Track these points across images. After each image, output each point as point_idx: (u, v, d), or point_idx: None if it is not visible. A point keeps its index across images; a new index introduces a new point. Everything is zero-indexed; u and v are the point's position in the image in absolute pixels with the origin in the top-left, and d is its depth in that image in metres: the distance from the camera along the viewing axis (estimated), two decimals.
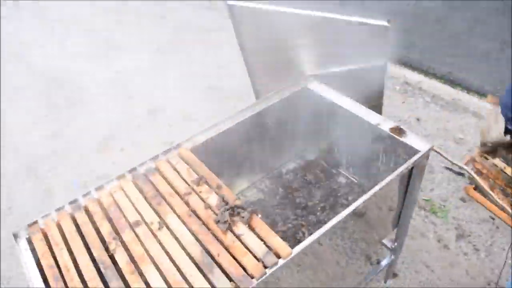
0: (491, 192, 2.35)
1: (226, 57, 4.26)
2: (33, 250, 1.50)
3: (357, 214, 1.70)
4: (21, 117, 3.85)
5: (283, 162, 2.28)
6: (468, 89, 3.86)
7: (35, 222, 1.58)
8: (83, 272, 1.39)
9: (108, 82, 4.18)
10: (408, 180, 1.78)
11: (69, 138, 3.55)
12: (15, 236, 1.55)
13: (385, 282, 2.33)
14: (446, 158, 2.02)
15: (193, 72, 4.20)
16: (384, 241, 2.15)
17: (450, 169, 2.97)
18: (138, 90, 4.03)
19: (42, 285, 1.39)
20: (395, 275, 2.36)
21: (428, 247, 2.51)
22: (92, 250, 1.44)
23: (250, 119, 1.94)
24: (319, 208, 1.97)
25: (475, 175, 1.92)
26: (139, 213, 1.53)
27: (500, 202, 2.27)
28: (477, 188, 2.75)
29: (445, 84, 3.97)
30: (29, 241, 1.53)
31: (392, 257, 2.12)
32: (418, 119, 3.50)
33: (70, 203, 1.62)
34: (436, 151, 1.89)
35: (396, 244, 2.04)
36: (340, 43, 1.98)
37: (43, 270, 1.43)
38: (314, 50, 2.10)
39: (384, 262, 2.15)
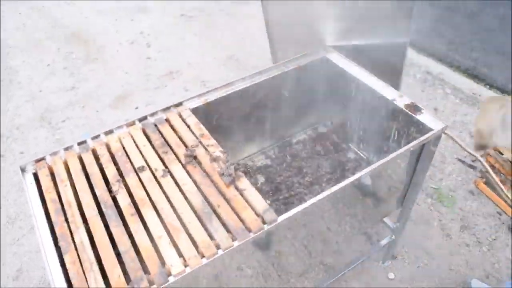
0: (502, 186, 2.30)
1: (249, 30, 4.22)
2: (38, 185, 1.52)
3: (362, 190, 1.69)
4: (41, 68, 3.88)
5: (294, 132, 2.27)
6: (491, 85, 3.78)
7: (43, 158, 1.60)
8: (85, 209, 1.40)
9: (129, 43, 4.18)
10: (417, 159, 1.75)
11: (86, 92, 3.58)
12: (22, 169, 1.57)
13: (383, 262, 2.32)
14: (459, 144, 1.97)
15: (215, 40, 4.18)
16: (386, 220, 2.14)
17: (462, 161, 2.93)
18: (157, 53, 4.03)
19: (44, 217, 1.41)
20: (394, 257, 2.36)
21: (430, 234, 2.49)
22: (96, 190, 1.46)
23: (265, 83, 1.92)
24: (325, 180, 1.96)
25: (487, 166, 1.88)
26: (145, 159, 1.54)
27: (510, 197, 2.23)
28: (487, 182, 2.71)
29: (467, 78, 3.89)
30: (35, 176, 1.56)
31: (393, 237, 2.11)
32: (435, 109, 3.44)
33: (79, 144, 1.64)
34: (449, 135, 1.86)
35: (398, 224, 2.03)
36: (363, 17, 1.94)
37: (46, 204, 1.45)
38: (337, 22, 2.06)
39: (384, 241, 2.14)
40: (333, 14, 2.00)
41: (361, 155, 2.11)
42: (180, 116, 1.73)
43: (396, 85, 2.01)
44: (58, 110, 3.40)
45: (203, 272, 1.33)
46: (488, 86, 3.73)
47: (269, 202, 1.89)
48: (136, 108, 3.38)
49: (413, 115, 1.72)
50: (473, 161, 2.93)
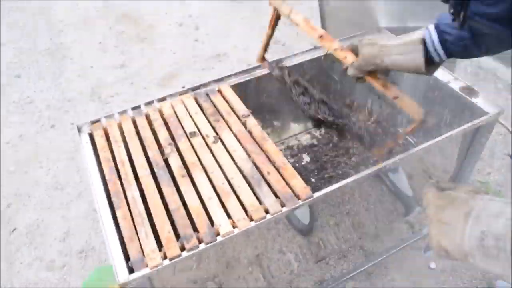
0: None
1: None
2: (93, 145, 1.58)
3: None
4: (93, 46, 4.00)
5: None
6: None
7: (98, 120, 1.66)
8: (137, 169, 1.45)
9: (178, 24, 4.24)
10: (469, 146, 1.71)
11: (134, 70, 3.67)
12: (79, 129, 1.64)
13: (424, 252, 2.27)
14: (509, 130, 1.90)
15: (262, 25, 4.17)
16: None
17: None
18: (206, 35, 4.07)
19: (98, 175, 1.47)
20: None
21: None
22: (148, 152, 1.50)
23: (316, 62, 1.91)
24: (371, 161, 1.93)
25: None
26: (197, 126, 1.57)
27: None
28: None
29: None
30: (91, 137, 1.62)
31: None
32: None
33: (133, 108, 1.69)
34: (503, 124, 1.79)
35: None
36: None
37: (100, 163, 1.51)
38: (392, 2, 2.02)
39: (426, 230, 2.09)
40: None
41: (410, 140, 2.07)
42: (231, 88, 1.75)
43: (451, 67, 1.96)
44: (108, 86, 3.51)
45: (245, 251, 1.36)
46: None
47: (314, 180, 1.89)
48: (183, 87, 3.41)
49: (468, 98, 1.68)
50: None
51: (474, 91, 1.68)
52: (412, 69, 1.28)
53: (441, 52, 1.23)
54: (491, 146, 2.89)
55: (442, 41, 1.22)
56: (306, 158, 2.03)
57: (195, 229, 1.25)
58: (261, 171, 1.39)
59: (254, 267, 1.61)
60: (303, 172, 1.93)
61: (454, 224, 0.86)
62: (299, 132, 2.20)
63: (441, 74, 1.78)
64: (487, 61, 3.89)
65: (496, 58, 3.93)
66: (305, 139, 2.16)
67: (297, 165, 2.00)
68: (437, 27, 1.24)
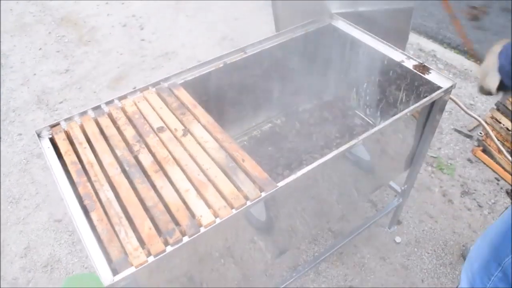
0: (502, 149, 2.37)
1: (243, 9, 4.22)
2: (55, 150, 1.52)
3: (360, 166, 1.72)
4: (33, 52, 3.82)
5: (300, 101, 2.29)
6: (481, 61, 3.86)
7: (57, 124, 1.59)
8: (107, 169, 1.40)
9: (122, 25, 4.14)
10: (426, 119, 1.79)
11: (81, 74, 3.54)
12: (38, 134, 1.56)
13: (389, 228, 2.38)
14: (460, 107, 2.01)
15: (208, 22, 4.16)
16: (393, 184, 2.19)
17: (459, 131, 2.99)
18: (152, 34, 4.00)
19: (66, 179, 1.41)
20: (399, 223, 2.41)
21: (433, 200, 2.55)
22: (116, 151, 1.46)
23: (270, 51, 1.94)
24: (335, 144, 1.99)
25: (488, 128, 1.92)
26: (163, 121, 1.55)
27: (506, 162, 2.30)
28: (485, 150, 2.78)
29: (458, 55, 3.97)
30: (52, 141, 1.55)
31: (400, 200, 2.16)
32: None
33: (93, 109, 1.63)
34: (452, 99, 1.89)
35: (406, 186, 2.08)
36: None
37: (66, 169, 1.44)
38: None
39: (391, 205, 2.19)
40: None
41: (368, 120, 2.14)
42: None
43: (402, 47, 2.05)
44: (55, 92, 3.36)
45: (216, 244, 1.36)
46: (478, 62, 3.81)
47: (281, 170, 1.92)
48: (134, 88, 3.35)
49: (422, 75, 1.76)
50: (469, 130, 3.00)
51: (426, 68, 1.77)
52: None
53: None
54: (440, 123, 3.05)
55: None
56: (269, 147, 2.05)
57: (176, 223, 1.24)
58: (235, 159, 1.39)
59: (226, 258, 1.61)
60: (267, 163, 1.95)
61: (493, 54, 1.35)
62: (261, 122, 2.21)
63: (393, 53, 1.86)
64: (425, 43, 4.11)
65: (434, 40, 4.16)
66: (268, 127, 2.18)
67: (262, 153, 2.02)
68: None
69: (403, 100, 1.94)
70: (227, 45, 3.86)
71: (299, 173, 1.33)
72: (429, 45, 4.07)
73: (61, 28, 4.10)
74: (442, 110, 1.76)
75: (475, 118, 1.84)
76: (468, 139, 2.94)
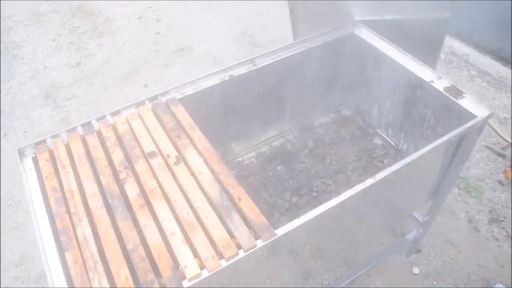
0: None
1: (265, 3, 4.00)
2: (38, 170, 1.38)
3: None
4: (45, 44, 3.71)
5: (316, 114, 2.09)
6: None
7: (43, 141, 1.45)
8: (89, 200, 1.25)
9: (137, 17, 3.98)
10: (456, 149, 1.58)
11: (92, 69, 3.41)
12: (21, 153, 1.43)
13: (407, 256, 2.17)
14: (496, 132, 1.80)
15: (227, 16, 3.97)
16: (415, 213, 1.98)
17: (491, 149, 2.74)
18: (168, 27, 3.83)
19: (44, 208, 1.27)
20: (419, 251, 2.21)
21: (457, 227, 2.33)
22: (101, 177, 1.31)
23: (286, 61, 1.75)
24: (350, 168, 1.80)
25: None
26: (156, 144, 1.39)
27: None
28: None
29: (494, 60, 3.67)
30: (35, 161, 1.41)
31: (421, 231, 1.95)
32: None
33: (83, 125, 1.48)
34: (491, 127, 1.67)
35: (428, 217, 1.87)
36: None
37: (46, 193, 1.31)
38: None
39: (411, 235, 1.99)
40: None
41: (390, 141, 1.93)
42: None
43: (432, 66, 1.82)
44: (64, 87, 3.25)
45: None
46: None
47: (288, 196, 1.73)
48: (145, 85, 3.22)
49: (454, 99, 1.54)
50: (502, 148, 2.75)
51: (459, 92, 1.55)
52: None
53: None
54: None
55: None
56: (279, 166, 1.87)
57: (157, 273, 1.08)
58: (231, 197, 1.22)
59: None
60: (274, 186, 1.78)
61: None
62: (272, 136, 2.03)
63: (423, 71, 1.64)
64: (458, 46, 3.81)
65: (468, 43, 3.86)
66: (279, 143, 2.00)
67: (270, 173, 1.84)
68: None
69: (431, 123, 1.72)
70: (246, 42, 3.67)
71: (302, 220, 1.15)
72: (462, 48, 3.78)
73: (76, 18, 3.98)
74: (474, 141, 1.54)
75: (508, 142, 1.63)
76: (500, 158, 2.69)
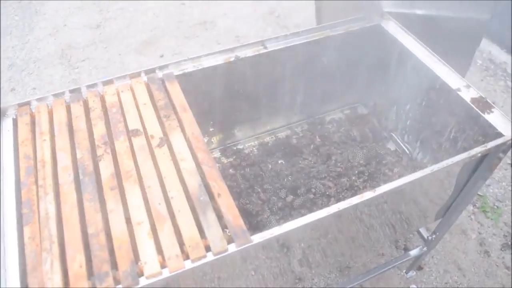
0: None
1: None
2: (15, 134, 1.29)
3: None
4: (69, 2, 3.62)
5: (329, 109, 1.94)
6: None
7: (27, 103, 1.35)
8: (59, 173, 1.16)
9: None
10: (477, 167, 1.41)
11: (111, 32, 3.31)
12: (2, 112, 1.34)
13: (406, 272, 2.03)
14: None
15: None
16: (421, 229, 1.83)
17: None
18: None
19: (13, 175, 1.18)
20: (420, 268, 2.06)
21: (466, 248, 2.16)
22: (77, 150, 1.20)
23: (301, 47, 1.60)
24: (356, 172, 1.65)
25: None
26: (142, 122, 1.27)
27: None
28: None
29: None
30: (15, 123, 1.32)
31: (425, 249, 1.80)
32: (493, 103, 3.01)
33: (71, 91, 1.38)
34: None
35: (434, 236, 1.72)
36: None
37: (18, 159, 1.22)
38: None
39: (414, 252, 1.84)
40: None
41: (404, 148, 1.77)
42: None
43: (462, 71, 1.64)
44: (80, 48, 3.16)
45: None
46: None
47: (284, 194, 1.60)
48: (161, 56, 3.10)
49: (480, 112, 1.37)
50: None
51: (488, 105, 1.38)
52: None
53: None
54: None
55: None
56: (280, 160, 1.74)
57: (114, 265, 0.98)
58: (210, 191, 1.10)
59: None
60: (271, 180, 1.65)
61: None
62: (279, 127, 1.89)
63: (450, 77, 1.47)
64: (498, 53, 3.55)
65: (508, 51, 3.59)
66: (284, 135, 1.86)
67: (269, 166, 1.71)
68: None
69: (452, 135, 1.55)
70: (272, 22, 3.50)
71: (283, 229, 1.02)
72: (502, 56, 3.51)
73: None
74: (498, 160, 1.37)
75: None
76: None
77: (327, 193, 1.56)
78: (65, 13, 3.49)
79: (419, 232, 1.85)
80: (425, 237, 1.77)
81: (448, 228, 1.69)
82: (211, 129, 1.77)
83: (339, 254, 1.48)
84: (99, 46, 3.18)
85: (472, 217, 2.29)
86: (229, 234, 1.02)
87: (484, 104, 1.37)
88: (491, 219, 2.28)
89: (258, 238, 1.00)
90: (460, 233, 2.21)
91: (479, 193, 2.39)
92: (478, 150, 1.23)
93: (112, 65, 3.02)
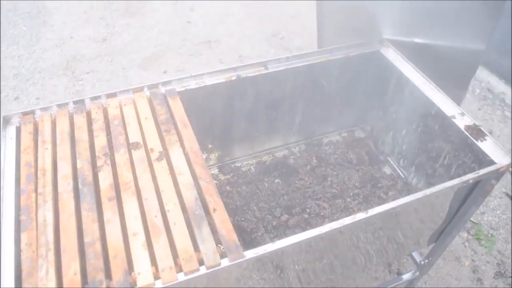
0: None
1: (303, 7, 3.88)
2: (18, 141, 1.31)
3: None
4: (77, 15, 3.69)
5: (327, 131, 1.98)
6: None
7: (31, 112, 1.38)
8: (59, 182, 1.18)
9: (173, 3, 3.93)
10: (469, 194, 1.44)
11: (116, 47, 3.37)
12: (6, 120, 1.36)
13: None
14: None
15: (261, 14, 3.87)
16: (414, 254, 1.84)
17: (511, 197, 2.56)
18: (200, 17, 3.76)
19: (13, 181, 1.20)
20: None
21: (459, 275, 2.17)
22: (77, 160, 1.23)
23: (301, 70, 1.64)
24: (351, 194, 1.67)
25: None
26: (142, 135, 1.30)
27: None
28: None
29: None
30: (18, 131, 1.35)
31: (417, 273, 1.81)
32: (490, 132, 3.05)
33: (75, 102, 1.41)
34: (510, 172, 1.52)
35: (427, 261, 1.73)
36: (433, 11, 1.61)
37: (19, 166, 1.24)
38: (399, 12, 1.73)
39: (406, 276, 1.84)
40: (397, 2, 1.68)
41: (399, 172, 1.80)
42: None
43: (457, 99, 1.68)
44: (85, 60, 3.21)
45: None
46: None
47: (279, 213, 1.62)
48: (165, 72, 3.15)
49: (474, 140, 1.40)
50: None
51: (481, 133, 1.41)
52: None
53: None
54: None
55: None
56: (276, 179, 1.76)
57: (107, 274, 0.99)
58: (206, 206, 1.12)
59: None
60: (267, 199, 1.67)
61: None
62: (277, 146, 1.92)
63: (445, 104, 1.51)
64: (496, 83, 3.61)
65: (507, 82, 3.65)
66: (282, 155, 1.89)
67: (266, 185, 1.74)
68: None
69: (445, 162, 1.58)
70: (275, 44, 3.56)
71: (276, 245, 1.04)
72: (500, 86, 3.56)
73: None
74: (490, 188, 1.40)
75: None
76: None
77: (322, 213, 1.58)
78: (72, 26, 3.56)
79: (412, 257, 1.86)
80: (418, 261, 1.78)
81: (441, 253, 1.71)
82: (210, 146, 1.79)
83: (333, 278, 1.49)
84: (104, 60, 3.23)
85: (466, 244, 2.30)
86: (222, 249, 1.04)
87: (478, 132, 1.40)
88: (485, 247, 2.29)
89: (251, 253, 1.02)
90: (453, 259, 2.22)
91: (473, 220, 2.40)
92: (470, 176, 1.25)
93: (115, 79, 3.06)
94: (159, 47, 3.39)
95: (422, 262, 1.74)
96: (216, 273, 1.00)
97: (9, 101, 2.87)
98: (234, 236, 1.05)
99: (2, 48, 3.28)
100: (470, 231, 2.35)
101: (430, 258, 1.72)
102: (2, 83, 2.98)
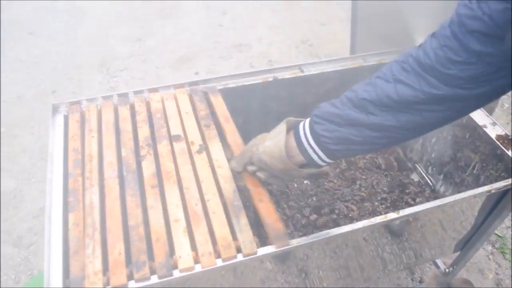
0: None
1: (333, 16, 3.94)
2: (66, 129, 1.39)
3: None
4: (113, 14, 3.82)
5: None
6: None
7: (78, 102, 1.46)
8: (105, 168, 1.24)
9: (205, 6, 4.02)
10: (497, 203, 1.45)
11: (150, 47, 3.47)
12: (55, 108, 1.44)
13: None
14: None
15: (292, 21, 3.93)
16: (438, 261, 1.86)
17: None
18: (231, 21, 3.85)
19: (61, 165, 1.27)
20: None
21: (482, 287, 2.17)
22: (122, 149, 1.30)
23: (334, 74, 1.68)
24: (379, 198, 1.70)
25: None
26: (183, 129, 1.36)
27: None
28: None
29: None
30: (66, 119, 1.42)
31: None
32: None
33: (119, 95, 1.48)
34: None
35: (451, 269, 1.74)
36: None
37: (67, 152, 1.31)
38: (433, 19, 1.76)
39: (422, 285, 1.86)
40: (432, 9, 1.71)
41: (427, 180, 1.82)
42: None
43: (489, 110, 1.70)
44: (119, 59, 3.32)
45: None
46: None
47: (308, 212, 1.66)
48: (196, 73, 3.24)
49: (505, 149, 1.42)
50: None
51: None
52: (277, 159, 1.08)
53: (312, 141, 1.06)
54: None
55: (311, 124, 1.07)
56: (306, 180, 1.80)
57: (150, 256, 1.05)
58: (251, 197, 1.18)
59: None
60: (296, 198, 1.71)
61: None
62: None
63: (477, 114, 1.53)
64: None
65: None
66: None
67: (295, 185, 1.78)
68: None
69: (475, 171, 1.60)
70: (305, 50, 3.62)
71: (313, 238, 1.09)
72: None
73: None
74: None
75: None
76: None
77: (350, 215, 1.61)
78: (108, 25, 3.68)
79: (435, 264, 1.87)
80: (442, 269, 1.79)
81: (465, 262, 1.72)
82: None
83: (355, 284, 1.52)
84: (138, 58, 3.33)
85: (491, 257, 2.30)
86: (265, 237, 1.08)
87: (509, 142, 1.42)
88: (509, 261, 2.28)
89: (295, 242, 1.07)
90: (477, 271, 2.22)
91: (499, 234, 2.40)
92: (501, 184, 1.27)
93: (148, 77, 3.15)
94: (191, 48, 3.47)
95: (447, 270, 1.76)
96: (242, 273, 1.04)
97: (47, 94, 2.98)
98: (280, 225, 1.10)
99: (41, 44, 3.41)
100: (495, 244, 2.34)
101: (455, 267, 1.74)
102: (40, 77, 3.10)
